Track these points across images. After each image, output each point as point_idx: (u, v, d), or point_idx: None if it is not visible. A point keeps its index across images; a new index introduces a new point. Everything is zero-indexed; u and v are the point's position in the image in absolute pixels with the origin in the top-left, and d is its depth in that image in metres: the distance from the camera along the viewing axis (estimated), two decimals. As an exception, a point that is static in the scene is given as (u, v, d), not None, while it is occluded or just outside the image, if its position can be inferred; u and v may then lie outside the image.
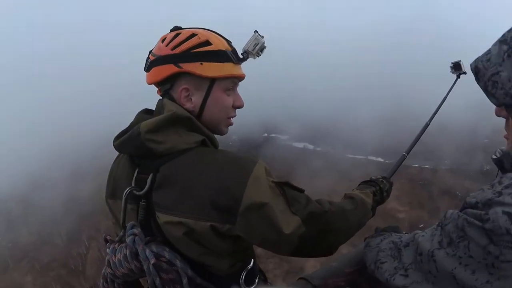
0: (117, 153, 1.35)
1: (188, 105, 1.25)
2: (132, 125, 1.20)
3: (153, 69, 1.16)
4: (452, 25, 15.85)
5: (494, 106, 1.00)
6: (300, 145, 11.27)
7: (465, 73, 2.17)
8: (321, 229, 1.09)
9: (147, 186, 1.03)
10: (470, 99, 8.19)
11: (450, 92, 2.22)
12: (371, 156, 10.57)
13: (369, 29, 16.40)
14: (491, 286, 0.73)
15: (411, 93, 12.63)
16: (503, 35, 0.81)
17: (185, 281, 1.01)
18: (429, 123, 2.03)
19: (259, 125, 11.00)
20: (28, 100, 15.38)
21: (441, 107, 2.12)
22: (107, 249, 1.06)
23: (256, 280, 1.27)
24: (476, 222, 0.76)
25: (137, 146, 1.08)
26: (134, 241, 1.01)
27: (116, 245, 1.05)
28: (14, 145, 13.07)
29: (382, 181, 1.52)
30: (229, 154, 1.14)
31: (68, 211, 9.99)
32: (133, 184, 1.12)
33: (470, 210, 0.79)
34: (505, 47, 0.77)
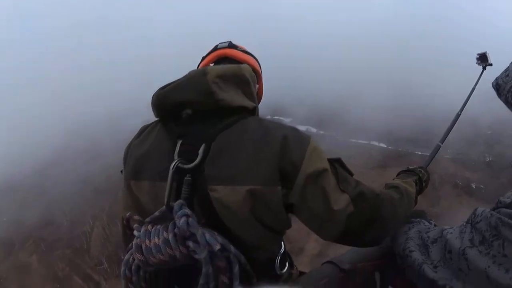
0: (129, 133, 1.31)
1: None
2: (185, 75, 1.13)
3: (249, 56, 1.36)
4: (464, 12, 15.57)
5: (497, 98, 1.07)
6: (303, 128, 11.24)
7: (491, 64, 2.18)
8: (371, 213, 1.09)
9: (199, 158, 1.01)
10: (475, 90, 8.12)
11: (477, 84, 2.24)
12: (374, 141, 10.53)
13: (380, 13, 16.11)
14: None
15: (417, 80, 12.51)
16: None
17: (236, 268, 0.98)
18: (460, 113, 2.05)
19: (264, 108, 10.93)
20: (36, 76, 15.18)
21: (470, 98, 2.13)
22: (135, 232, 1.02)
23: (287, 264, 1.28)
24: (511, 221, 0.81)
25: (200, 89, 1.06)
26: (187, 223, 0.94)
27: (149, 227, 1.01)
28: (18, 128, 13.00)
29: (421, 171, 1.51)
30: (285, 124, 1.12)
31: (71, 192, 10.02)
32: (176, 157, 1.03)
33: (504, 210, 0.86)
34: None
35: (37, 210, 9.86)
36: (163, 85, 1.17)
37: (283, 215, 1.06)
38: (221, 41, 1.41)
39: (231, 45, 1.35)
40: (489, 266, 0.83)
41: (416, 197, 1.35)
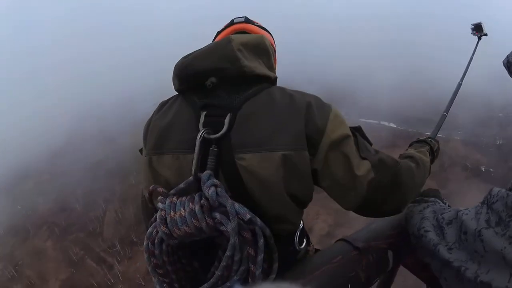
0: (141, 117, 1.33)
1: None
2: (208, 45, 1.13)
3: (265, 32, 1.37)
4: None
5: (510, 79, 1.06)
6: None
7: (486, 34, 2.17)
8: (392, 180, 1.09)
9: (225, 127, 1.00)
10: (487, 72, 7.99)
11: (474, 56, 2.24)
12: (384, 121, 10.45)
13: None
14: None
15: (426, 59, 12.31)
16: None
17: (261, 241, 0.97)
18: (462, 83, 2.07)
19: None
20: (47, 63, 15.22)
21: (468, 69, 2.13)
22: (159, 204, 1.01)
23: (305, 240, 1.30)
24: None
25: (224, 55, 1.05)
26: (217, 193, 0.93)
27: (174, 199, 0.99)
28: (31, 115, 13.12)
29: (431, 141, 1.55)
30: (308, 92, 1.15)
31: (84, 176, 10.15)
32: (201, 128, 1.02)
33: None
34: None
35: (51, 196, 10.03)
36: (176, 61, 1.17)
37: (310, 183, 1.07)
38: (235, 17, 1.40)
39: (247, 20, 1.35)
40: (505, 247, 0.81)
41: (430, 167, 1.37)
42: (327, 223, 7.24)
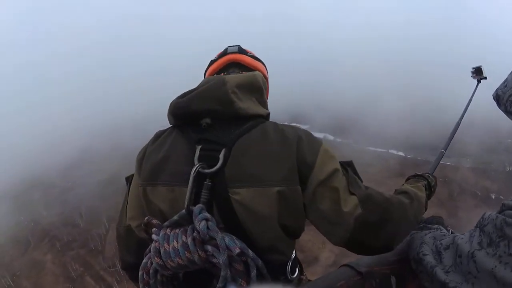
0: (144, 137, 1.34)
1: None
2: (203, 84, 1.18)
3: (259, 62, 1.43)
4: (483, 19, 15.37)
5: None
6: (320, 135, 11.17)
7: (485, 78, 2.24)
8: (380, 216, 1.10)
9: (220, 162, 1.05)
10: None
11: (474, 96, 2.31)
12: (392, 149, 10.40)
13: (399, 19, 16.03)
14: None
15: (436, 87, 12.36)
16: None
17: (253, 273, 1.01)
18: (460, 122, 2.14)
19: (283, 114, 10.96)
20: (60, 75, 15.54)
21: (468, 108, 2.18)
22: (153, 235, 1.06)
23: (297, 269, 1.34)
24: None
25: (219, 98, 1.10)
26: (207, 227, 0.97)
27: (168, 231, 1.04)
28: (43, 127, 13.31)
29: (429, 176, 1.55)
30: (299, 127, 1.21)
31: (88, 193, 10.17)
32: (196, 162, 1.07)
33: (508, 211, 0.89)
34: None
35: (55, 210, 10.04)
36: (179, 93, 1.22)
37: (302, 215, 1.11)
38: (230, 45, 1.44)
39: (240, 50, 1.39)
40: (495, 266, 0.86)
41: (426, 202, 1.35)
42: (334, 253, 7.11)
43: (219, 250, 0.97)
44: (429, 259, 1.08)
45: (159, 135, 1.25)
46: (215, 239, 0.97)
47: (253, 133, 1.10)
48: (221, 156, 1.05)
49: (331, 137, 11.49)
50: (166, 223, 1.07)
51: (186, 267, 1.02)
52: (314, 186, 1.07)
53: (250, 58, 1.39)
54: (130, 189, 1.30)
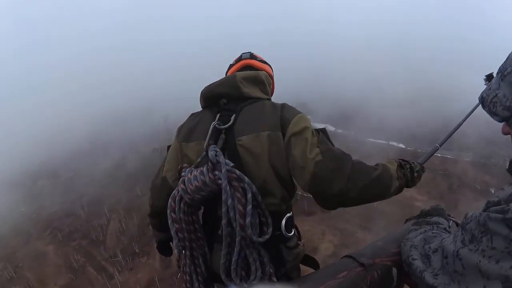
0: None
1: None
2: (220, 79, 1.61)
3: (266, 65, 1.86)
4: (486, 14, 15.30)
5: None
6: (321, 125, 11.17)
7: None
8: (336, 165, 1.32)
9: (232, 120, 1.45)
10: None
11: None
12: (393, 141, 10.41)
13: (403, 14, 16.00)
14: None
15: (439, 81, 12.33)
16: (499, 68, 1.08)
17: (249, 195, 1.29)
18: (462, 123, 2.16)
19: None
20: (69, 70, 15.56)
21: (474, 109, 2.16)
22: (183, 172, 1.39)
23: (293, 230, 1.54)
24: (498, 215, 0.88)
25: (232, 86, 1.54)
26: (216, 154, 1.32)
27: (192, 168, 1.39)
28: (50, 118, 13.31)
29: (414, 162, 1.63)
30: (288, 104, 1.55)
31: (90, 183, 10.19)
32: (215, 121, 1.45)
33: (494, 208, 0.92)
34: (499, 75, 1.04)
35: (57, 200, 10.08)
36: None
37: (284, 157, 1.40)
38: (244, 52, 1.90)
39: (252, 56, 1.85)
40: (480, 261, 0.88)
41: (402, 179, 1.48)
42: (333, 243, 7.16)
43: (221, 171, 1.28)
44: (418, 263, 1.11)
45: (194, 114, 1.64)
46: (220, 163, 1.29)
47: (254, 106, 1.51)
48: (232, 118, 1.45)
49: (332, 128, 11.52)
50: (193, 166, 1.40)
51: (201, 189, 1.32)
52: (289, 135, 1.39)
53: (258, 62, 1.81)
54: (170, 149, 1.66)
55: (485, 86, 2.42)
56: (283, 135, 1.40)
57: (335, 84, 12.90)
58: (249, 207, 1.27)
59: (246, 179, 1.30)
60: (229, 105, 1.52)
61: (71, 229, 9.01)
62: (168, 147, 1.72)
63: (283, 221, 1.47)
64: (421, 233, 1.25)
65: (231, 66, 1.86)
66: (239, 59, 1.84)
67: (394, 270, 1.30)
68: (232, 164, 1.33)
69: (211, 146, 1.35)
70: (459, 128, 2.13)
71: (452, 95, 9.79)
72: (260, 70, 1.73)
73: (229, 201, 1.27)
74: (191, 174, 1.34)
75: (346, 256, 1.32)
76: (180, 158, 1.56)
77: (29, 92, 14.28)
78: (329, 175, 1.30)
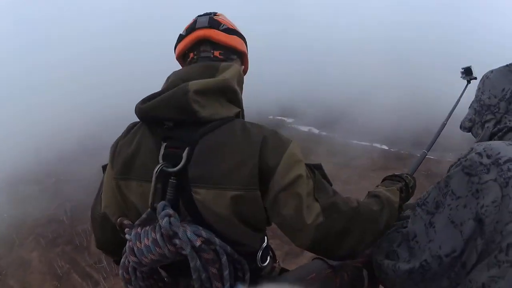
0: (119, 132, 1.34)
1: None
2: (169, 87, 1.13)
3: (235, 36, 1.27)
4: (471, 18, 15.58)
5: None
6: (305, 128, 11.23)
7: (475, 78, 2.24)
8: (343, 226, 1.08)
9: (183, 161, 1.05)
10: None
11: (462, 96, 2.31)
12: (376, 143, 10.51)
13: (387, 18, 16.18)
14: (482, 207, 0.89)
15: (422, 83, 12.51)
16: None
17: (223, 258, 1.04)
18: (446, 123, 2.14)
19: (271, 107, 10.99)
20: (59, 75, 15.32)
21: (455, 108, 2.19)
22: (127, 236, 1.10)
23: (268, 258, 1.35)
24: (457, 168, 0.99)
25: (180, 107, 1.06)
26: (170, 222, 1.00)
27: (139, 230, 1.08)
28: (37, 123, 13.08)
29: (407, 177, 1.51)
30: (268, 127, 1.15)
31: (74, 189, 10.04)
32: (161, 161, 1.08)
33: (452, 167, 1.06)
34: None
35: (40, 206, 9.89)
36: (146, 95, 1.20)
37: (263, 215, 1.11)
38: (199, 14, 1.29)
39: (211, 23, 1.24)
40: (450, 215, 0.96)
41: (401, 206, 1.33)
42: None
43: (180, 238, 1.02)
44: (387, 262, 1.12)
45: (130, 128, 1.25)
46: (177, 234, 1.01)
47: (218, 133, 1.08)
48: (184, 155, 1.06)
49: (316, 131, 11.56)
50: (137, 222, 1.10)
51: (160, 261, 1.07)
52: (275, 192, 1.06)
53: (222, 33, 1.23)
54: (105, 178, 1.30)
55: (461, 78, 2.49)
56: (264, 189, 1.06)
57: (320, 87, 12.99)
58: (226, 271, 1.05)
59: (218, 241, 1.06)
60: (179, 132, 1.10)
61: (54, 235, 8.84)
62: (103, 167, 1.33)
63: (258, 255, 1.26)
64: (388, 234, 1.26)
65: (181, 38, 1.29)
66: (192, 28, 1.26)
67: (365, 272, 1.32)
68: (195, 229, 1.04)
69: (159, 204, 1.04)
70: (444, 129, 2.12)
71: (436, 97, 9.91)
72: (228, 49, 1.24)
73: (203, 276, 1.03)
74: (140, 243, 1.05)
75: (316, 258, 1.32)
76: (120, 198, 1.22)
77: (29, 92, 14.02)
78: (335, 240, 1.08)
